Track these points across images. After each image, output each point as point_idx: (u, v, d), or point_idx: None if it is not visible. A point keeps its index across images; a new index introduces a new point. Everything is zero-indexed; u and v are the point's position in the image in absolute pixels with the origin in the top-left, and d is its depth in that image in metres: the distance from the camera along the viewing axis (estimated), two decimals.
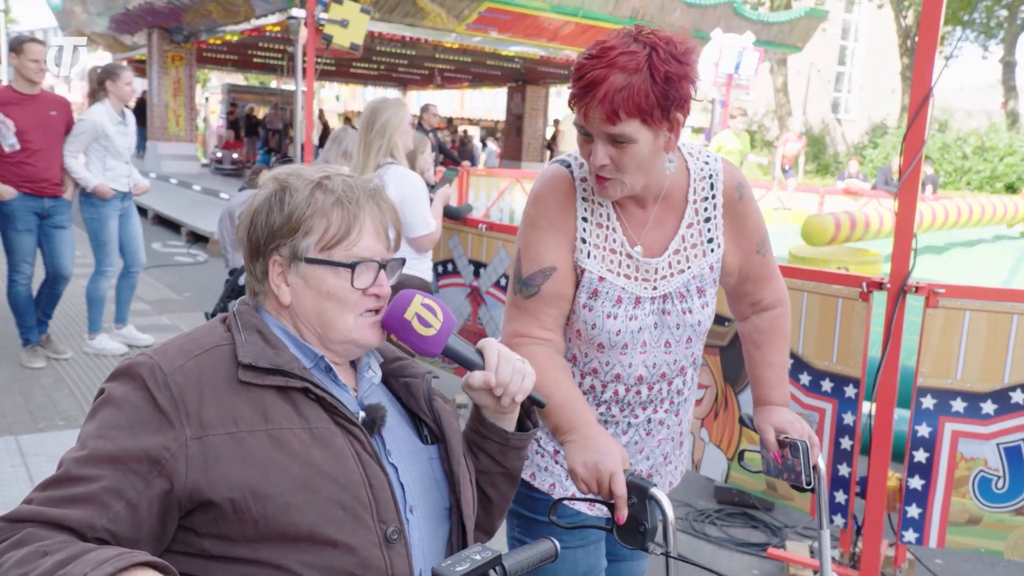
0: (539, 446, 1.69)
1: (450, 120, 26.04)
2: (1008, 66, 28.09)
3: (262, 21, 11.65)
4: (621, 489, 1.33)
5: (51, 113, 4.74)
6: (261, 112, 21.42)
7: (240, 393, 1.09)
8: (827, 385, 2.91)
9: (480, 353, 1.21)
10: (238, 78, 27.51)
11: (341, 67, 19.09)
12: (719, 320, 3.21)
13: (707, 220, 1.61)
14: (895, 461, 2.85)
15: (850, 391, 2.85)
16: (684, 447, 1.81)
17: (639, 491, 1.32)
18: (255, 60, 19.75)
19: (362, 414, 1.17)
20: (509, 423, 1.29)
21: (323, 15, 6.08)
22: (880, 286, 2.73)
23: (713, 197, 1.60)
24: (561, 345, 1.61)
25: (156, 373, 1.07)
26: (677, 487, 1.83)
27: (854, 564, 2.88)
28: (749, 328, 1.76)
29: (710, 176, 1.61)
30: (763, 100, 29.28)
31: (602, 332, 1.56)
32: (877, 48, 32.75)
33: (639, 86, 1.36)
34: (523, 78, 19.39)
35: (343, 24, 5.94)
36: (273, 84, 27.16)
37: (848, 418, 2.86)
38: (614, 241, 1.57)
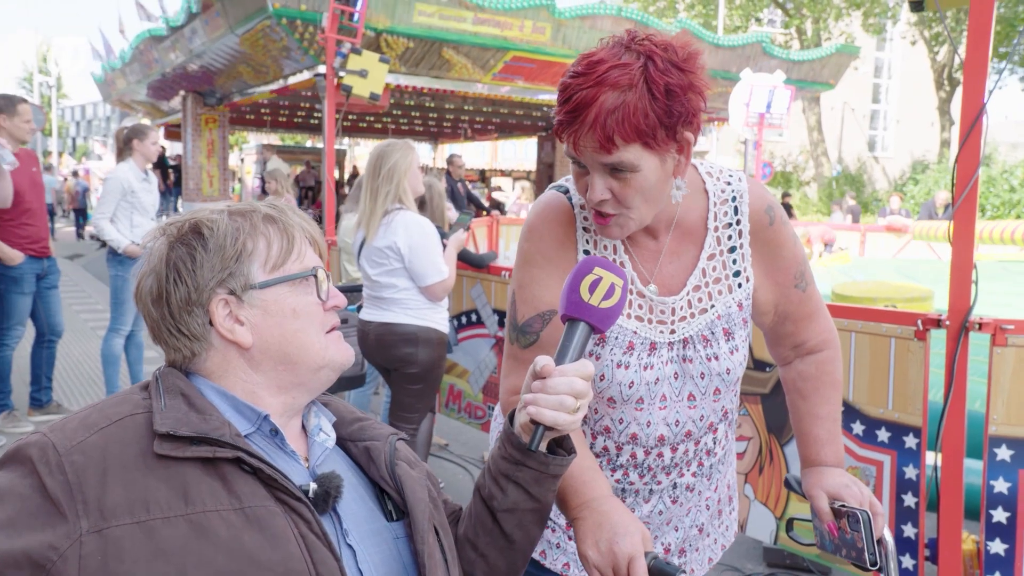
0: (549, 519, 1.45)
1: (483, 172, 26.09)
2: None
3: (290, 80, 11.81)
4: None
5: (33, 170, 4.72)
6: (294, 171, 21.73)
7: (155, 471, 0.89)
8: (883, 435, 2.61)
9: (578, 359, 1.05)
10: (274, 138, 28.06)
11: (371, 123, 19.34)
12: (760, 365, 2.94)
13: (732, 250, 1.37)
14: (969, 520, 2.53)
15: (910, 441, 2.55)
16: (725, 516, 1.55)
17: None
18: (287, 119, 20.10)
19: (313, 486, 0.97)
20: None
21: (343, 70, 6.03)
22: (938, 323, 2.45)
23: (738, 223, 1.37)
24: None
25: (48, 453, 0.87)
26: None
27: None
28: (792, 375, 1.50)
29: (733, 198, 1.37)
30: (797, 140, 29.01)
31: (612, 384, 1.32)
32: (911, 85, 32.40)
33: (635, 104, 1.14)
34: (552, 126, 19.38)
35: (362, 75, 5.89)
36: (308, 143, 27.68)
37: (910, 471, 2.55)
38: None
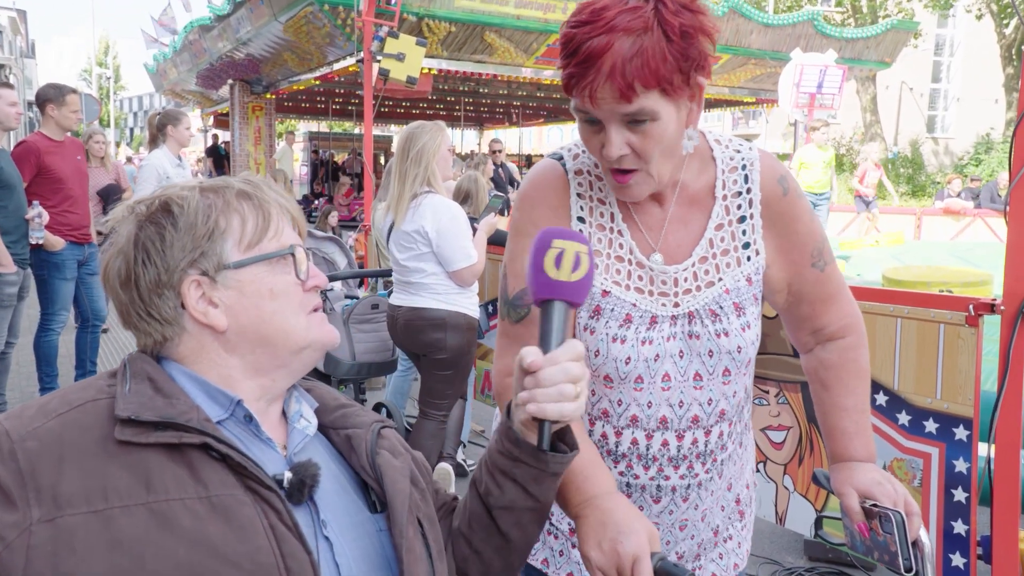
0: (551, 524, 1.38)
1: (528, 157, 25.95)
2: None
3: (334, 67, 11.84)
4: None
5: (77, 158, 4.79)
6: (341, 158, 21.89)
7: (116, 457, 0.84)
8: (931, 426, 2.47)
9: (563, 342, 0.96)
10: (322, 125, 28.32)
11: (419, 109, 19.37)
12: (796, 352, 2.81)
13: (741, 220, 1.28)
14: None
15: (960, 432, 2.41)
16: (747, 518, 1.46)
17: None
18: (333, 106, 20.23)
19: (288, 475, 0.92)
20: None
21: (380, 54, 5.99)
22: (991, 308, 2.30)
23: (748, 192, 1.28)
24: None
25: (1, 441, 0.84)
26: (761, 542, 1.48)
27: None
28: (814, 363, 1.40)
29: (743, 166, 1.29)
30: (851, 122, 28.18)
31: (607, 360, 1.24)
32: (975, 62, 31.12)
33: (653, 48, 1.07)
34: None
35: (399, 58, 5.84)
36: (357, 130, 27.81)
37: (960, 464, 2.41)
38: (620, 247, 1.26)
